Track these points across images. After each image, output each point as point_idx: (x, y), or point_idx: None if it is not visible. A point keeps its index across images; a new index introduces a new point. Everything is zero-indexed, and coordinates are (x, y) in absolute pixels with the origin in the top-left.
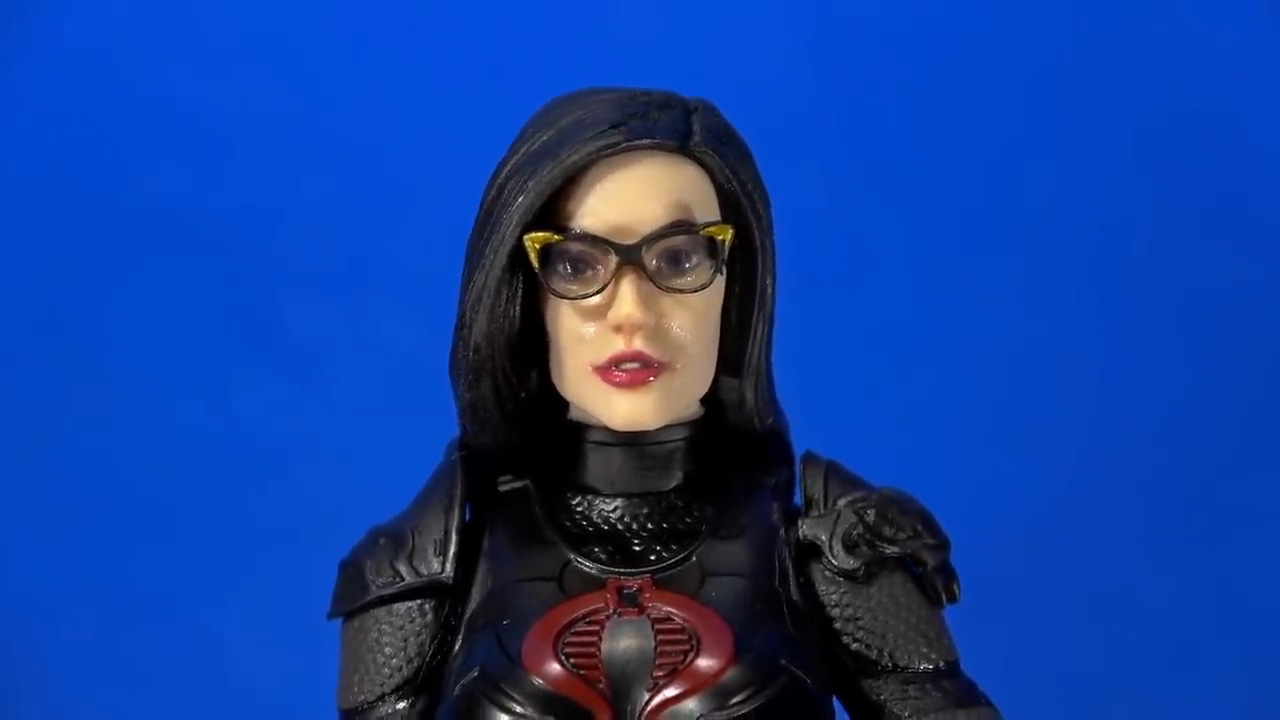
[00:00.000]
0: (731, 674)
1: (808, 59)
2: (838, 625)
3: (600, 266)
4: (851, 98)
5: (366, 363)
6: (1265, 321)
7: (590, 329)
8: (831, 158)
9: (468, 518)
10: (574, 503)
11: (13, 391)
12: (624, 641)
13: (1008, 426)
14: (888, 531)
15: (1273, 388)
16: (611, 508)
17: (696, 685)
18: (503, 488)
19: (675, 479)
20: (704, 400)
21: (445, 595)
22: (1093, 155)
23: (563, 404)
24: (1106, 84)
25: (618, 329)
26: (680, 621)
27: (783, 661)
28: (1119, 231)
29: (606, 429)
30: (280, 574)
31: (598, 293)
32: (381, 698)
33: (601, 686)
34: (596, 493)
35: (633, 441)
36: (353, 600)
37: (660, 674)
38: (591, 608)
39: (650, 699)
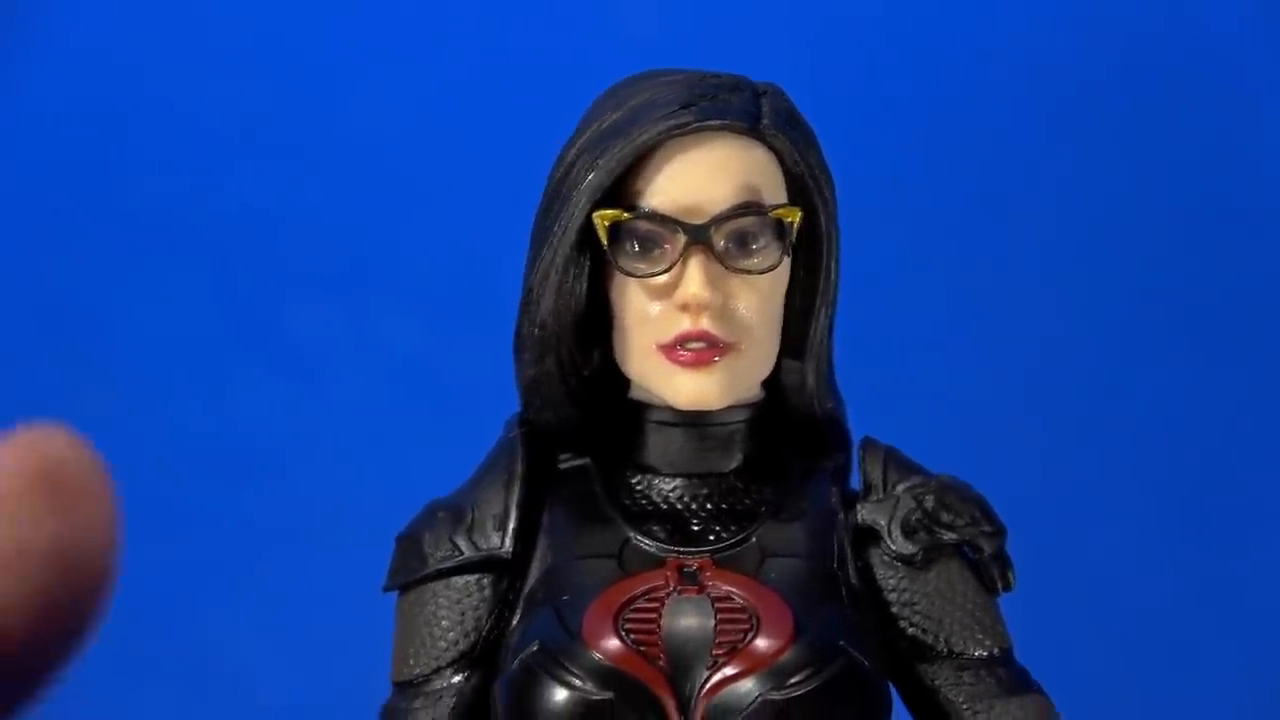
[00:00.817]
0: (790, 654)
1: (809, 57)
2: (894, 610)
3: (668, 245)
4: (853, 96)
5: (366, 363)
6: (1267, 321)
7: (656, 307)
8: (832, 156)
9: (527, 493)
10: (633, 481)
11: (13, 391)
12: (684, 620)
13: (1007, 426)
14: (946, 518)
15: (1273, 388)
16: (671, 487)
17: (755, 665)
18: (563, 465)
19: (735, 460)
20: (764, 383)
21: (504, 570)
22: (1095, 154)
23: (624, 383)
24: (1111, 83)
25: (684, 308)
26: (740, 601)
27: (841, 643)
28: (1121, 231)
29: (668, 408)
30: (279, 574)
31: (665, 271)
32: (438, 670)
33: (661, 663)
34: (656, 472)
35: (694, 422)
36: (410, 573)
37: (720, 653)
38: (651, 585)
39: (709, 677)
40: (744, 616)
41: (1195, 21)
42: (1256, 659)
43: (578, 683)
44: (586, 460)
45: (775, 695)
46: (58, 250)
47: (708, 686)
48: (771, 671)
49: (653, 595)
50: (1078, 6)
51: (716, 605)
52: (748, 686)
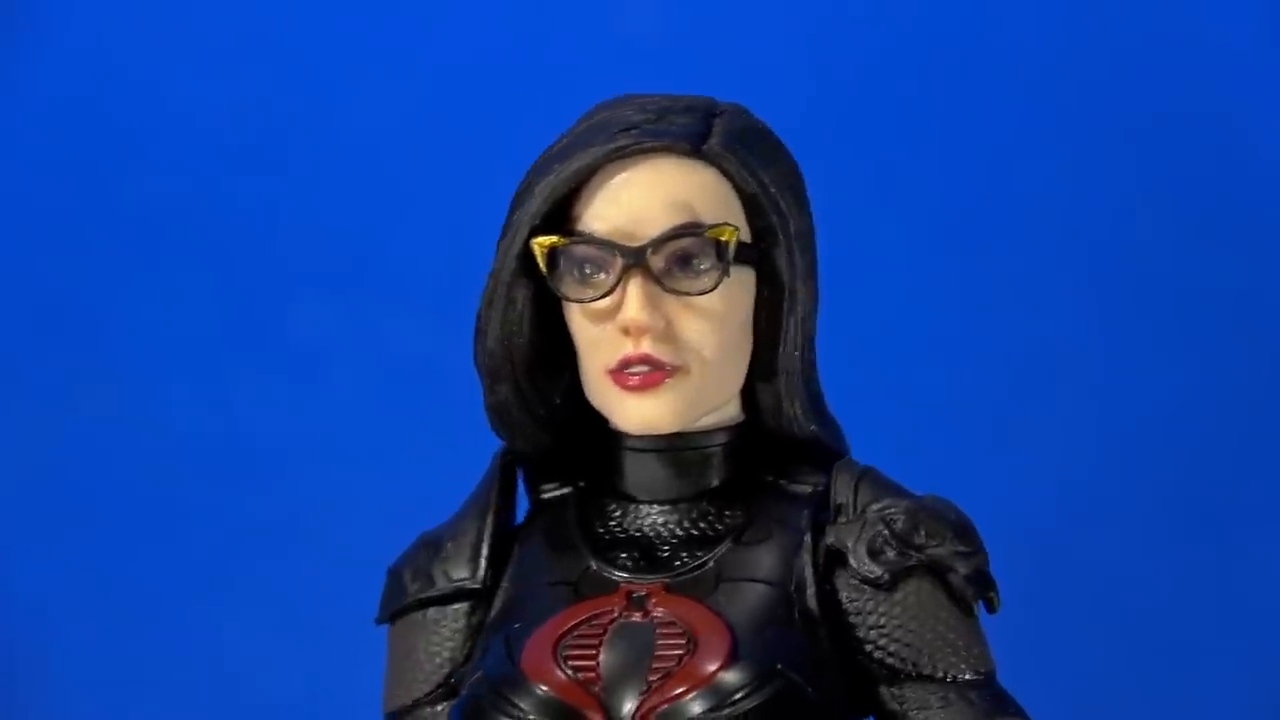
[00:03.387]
0: (725, 677)
1: (808, 57)
2: (861, 633)
3: (607, 270)
4: (852, 97)
5: (367, 363)
6: (1266, 321)
7: (601, 333)
8: (832, 156)
9: (517, 522)
10: (611, 509)
11: (13, 391)
12: (623, 645)
13: (1008, 427)
14: (918, 540)
15: (1273, 388)
16: (646, 514)
17: (691, 687)
18: (545, 495)
19: (712, 484)
20: (744, 405)
21: (478, 600)
22: (1095, 155)
23: None
24: (1109, 83)
25: (625, 332)
26: (681, 625)
27: (779, 666)
28: (1120, 232)
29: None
30: (280, 574)
31: (605, 295)
32: (418, 702)
33: (597, 689)
34: (633, 499)
35: (669, 447)
36: (393, 605)
37: (654, 677)
38: (597, 611)
39: (643, 701)
40: (681, 640)
41: (1196, 23)
42: (1257, 659)
43: (516, 713)
44: (569, 489)
45: (710, 717)
46: (59, 250)
47: (642, 710)
48: (706, 692)
49: (596, 622)
50: (1080, 9)
51: (657, 630)
52: (682, 709)
